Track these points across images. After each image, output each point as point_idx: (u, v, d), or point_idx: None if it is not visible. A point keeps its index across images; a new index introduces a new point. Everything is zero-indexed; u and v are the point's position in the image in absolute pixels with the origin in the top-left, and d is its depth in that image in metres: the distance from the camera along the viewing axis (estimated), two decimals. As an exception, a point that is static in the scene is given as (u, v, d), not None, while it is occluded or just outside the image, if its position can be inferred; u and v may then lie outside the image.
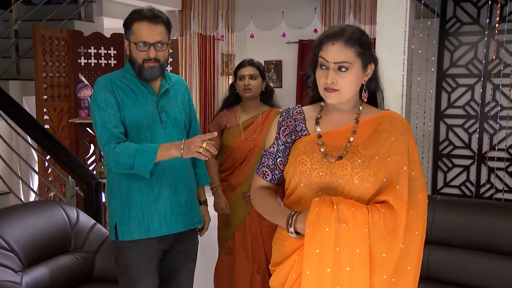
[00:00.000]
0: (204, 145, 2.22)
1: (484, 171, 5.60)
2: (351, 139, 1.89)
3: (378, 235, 1.74)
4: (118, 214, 2.52)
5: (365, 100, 1.96)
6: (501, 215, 3.22)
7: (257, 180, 2.07)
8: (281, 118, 2.03)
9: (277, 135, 2.01)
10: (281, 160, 2.01)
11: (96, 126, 2.46)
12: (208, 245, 2.68)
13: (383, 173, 1.81)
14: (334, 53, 1.84)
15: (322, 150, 1.88)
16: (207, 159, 2.29)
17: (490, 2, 5.34)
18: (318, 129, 1.94)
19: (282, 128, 2.01)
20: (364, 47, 1.88)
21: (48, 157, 4.70)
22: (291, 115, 2.02)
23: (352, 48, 1.84)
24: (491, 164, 5.47)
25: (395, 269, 1.77)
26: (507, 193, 5.34)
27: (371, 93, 1.99)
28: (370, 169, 1.81)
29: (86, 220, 3.34)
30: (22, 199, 5.00)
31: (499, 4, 5.05)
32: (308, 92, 2.08)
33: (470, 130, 5.65)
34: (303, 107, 2.05)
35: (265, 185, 2.05)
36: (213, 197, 3.39)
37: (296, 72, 9.48)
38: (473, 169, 5.67)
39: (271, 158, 2.02)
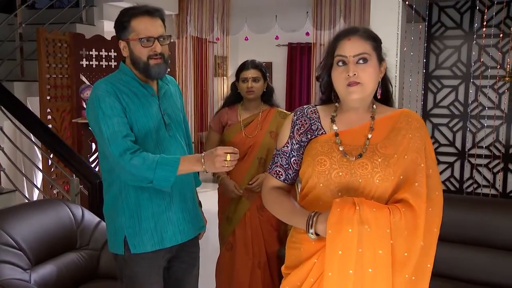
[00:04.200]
0: (228, 157, 2.05)
1: (467, 167, 5.60)
2: (369, 136, 1.78)
3: (400, 235, 1.64)
4: (127, 227, 2.25)
5: (379, 96, 1.85)
6: (493, 211, 3.16)
7: (270, 180, 1.94)
8: (295, 117, 1.90)
9: (291, 134, 1.89)
10: (295, 160, 1.89)
11: (103, 137, 2.14)
12: (207, 240, 2.55)
13: (401, 171, 1.71)
14: (352, 46, 1.75)
15: (341, 149, 1.77)
16: (229, 170, 2.12)
17: (472, 8, 5.35)
18: (335, 127, 1.83)
19: (296, 127, 1.88)
20: (378, 42, 1.81)
21: (51, 155, 4.59)
22: (306, 113, 1.90)
23: (368, 41, 1.76)
24: (474, 160, 5.47)
25: (415, 267, 1.67)
26: (487, 188, 5.35)
27: (383, 93, 1.88)
28: (390, 167, 1.70)
29: (91, 218, 3.24)
30: (27, 196, 4.88)
31: (486, 10, 5.02)
32: (321, 98, 1.96)
33: (455, 129, 5.66)
34: (317, 106, 1.94)
35: (278, 185, 1.92)
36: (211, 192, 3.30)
37: (286, 73, 9.44)
38: (457, 165, 5.67)
39: (285, 158, 1.90)
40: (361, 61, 1.74)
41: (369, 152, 1.74)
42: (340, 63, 1.77)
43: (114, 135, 2.12)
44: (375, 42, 1.79)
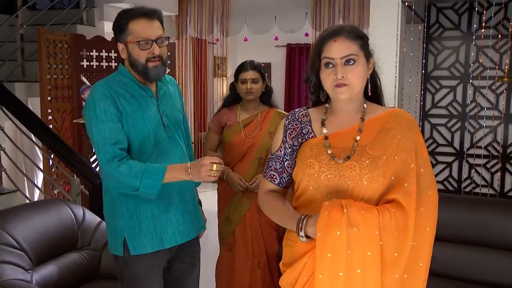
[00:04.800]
0: (215, 167, 2.05)
1: (465, 167, 5.59)
2: (358, 138, 1.78)
3: (390, 236, 1.63)
4: (127, 229, 2.23)
5: (370, 93, 1.85)
6: (493, 211, 3.16)
7: (265, 184, 1.94)
8: (287, 121, 1.91)
9: (284, 138, 1.90)
10: (288, 163, 1.89)
11: (95, 141, 2.14)
12: (207, 241, 2.53)
13: (391, 172, 1.70)
14: (339, 48, 1.74)
15: (329, 152, 1.77)
16: (214, 179, 2.12)
17: (470, 10, 5.34)
18: (325, 131, 1.83)
19: (288, 131, 1.89)
20: (364, 39, 1.79)
21: (52, 155, 4.57)
22: (297, 117, 1.91)
23: (354, 41, 1.75)
24: (472, 160, 5.46)
25: (406, 266, 1.66)
26: (485, 188, 5.34)
27: (373, 88, 1.88)
28: (379, 169, 1.69)
29: (92, 218, 3.21)
30: (28, 196, 4.86)
31: (484, 11, 5.01)
32: (312, 98, 1.95)
33: (453, 129, 5.65)
34: (308, 109, 1.94)
35: (273, 189, 1.93)
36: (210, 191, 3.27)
37: (284, 74, 9.41)
38: (455, 165, 5.66)
39: (279, 162, 1.90)
40: (350, 62, 1.74)
41: (357, 154, 1.74)
42: (329, 65, 1.76)
43: (103, 141, 2.11)
44: (362, 40, 1.77)
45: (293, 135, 1.88)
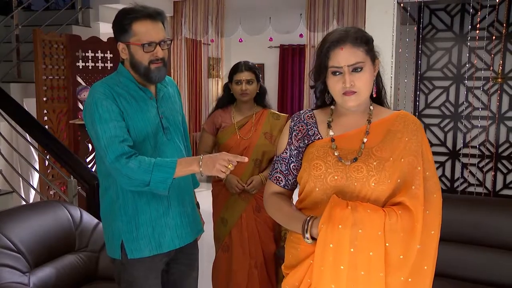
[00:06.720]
0: (230, 166, 1.97)
1: (458, 166, 5.59)
2: (365, 140, 1.74)
3: (396, 237, 1.60)
4: (124, 232, 2.17)
5: (375, 95, 1.81)
6: (489, 210, 3.13)
7: (270, 186, 1.91)
8: (293, 123, 1.87)
9: (290, 140, 1.86)
10: (294, 165, 1.85)
11: (99, 141, 2.05)
12: (202, 241, 2.49)
13: (398, 174, 1.67)
14: (345, 56, 1.69)
15: (336, 154, 1.73)
16: (224, 176, 2.03)
17: (462, 11, 5.33)
18: (331, 133, 1.79)
19: (294, 133, 1.85)
20: (370, 43, 1.74)
21: (48, 156, 4.51)
22: (303, 119, 1.87)
23: (360, 48, 1.70)
24: (464, 160, 5.45)
25: (411, 269, 1.63)
26: (478, 187, 5.33)
27: (377, 89, 1.84)
28: (386, 171, 1.66)
29: (89, 219, 3.16)
30: (24, 197, 4.79)
31: (479, 12, 5.00)
32: (317, 103, 1.91)
33: (446, 129, 5.65)
34: (313, 111, 1.90)
35: (278, 191, 1.89)
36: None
37: (278, 74, 9.38)
38: (448, 165, 5.65)
39: (284, 164, 1.87)
40: (357, 69, 1.70)
41: (364, 156, 1.71)
42: (335, 73, 1.72)
43: (110, 139, 2.03)
44: (367, 45, 1.73)
45: (299, 137, 1.84)
